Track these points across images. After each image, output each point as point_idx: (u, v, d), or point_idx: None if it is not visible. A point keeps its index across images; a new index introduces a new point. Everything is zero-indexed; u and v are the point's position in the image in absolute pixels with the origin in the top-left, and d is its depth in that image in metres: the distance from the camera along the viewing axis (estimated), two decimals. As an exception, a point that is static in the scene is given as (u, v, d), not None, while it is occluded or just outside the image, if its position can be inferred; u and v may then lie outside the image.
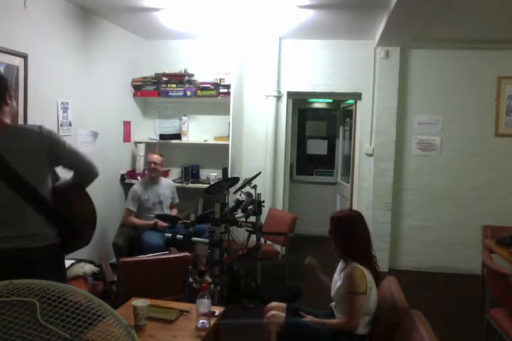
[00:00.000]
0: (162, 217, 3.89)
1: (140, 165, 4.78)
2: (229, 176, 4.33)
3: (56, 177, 2.05)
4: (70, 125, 3.67)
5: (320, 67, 4.88)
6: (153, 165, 4.21)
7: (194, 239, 3.57)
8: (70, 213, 1.95)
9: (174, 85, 4.74)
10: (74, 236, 2.01)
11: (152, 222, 4.04)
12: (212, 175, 4.70)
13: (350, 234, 2.33)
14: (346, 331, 2.22)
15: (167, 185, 4.39)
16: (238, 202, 3.77)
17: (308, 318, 2.36)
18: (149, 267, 2.78)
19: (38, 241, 1.90)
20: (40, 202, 1.88)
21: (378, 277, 2.32)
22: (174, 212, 4.40)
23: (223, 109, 4.61)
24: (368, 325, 2.26)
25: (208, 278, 3.70)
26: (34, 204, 1.85)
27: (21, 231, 1.91)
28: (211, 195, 3.88)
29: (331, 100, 6.26)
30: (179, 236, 3.57)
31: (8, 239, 1.87)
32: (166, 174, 4.85)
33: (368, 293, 2.20)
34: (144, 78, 4.82)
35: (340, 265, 2.42)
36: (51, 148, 1.88)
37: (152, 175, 4.26)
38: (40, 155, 1.86)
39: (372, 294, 2.23)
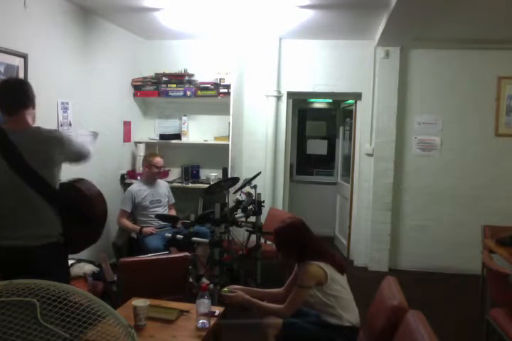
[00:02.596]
0: (162, 217, 3.89)
1: (140, 165, 4.77)
2: (229, 176, 4.33)
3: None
4: (70, 125, 3.67)
5: (320, 67, 4.88)
6: (157, 170, 4.25)
7: (194, 239, 3.57)
8: (82, 206, 2.17)
9: (174, 85, 4.73)
10: (84, 233, 2.17)
11: (138, 227, 4.04)
12: (212, 175, 4.70)
13: (296, 239, 2.40)
14: (277, 316, 2.30)
15: (163, 184, 4.42)
16: (238, 202, 3.77)
17: (239, 293, 2.38)
18: (149, 267, 2.78)
19: (38, 239, 1.94)
20: (53, 197, 2.04)
21: (342, 267, 2.39)
22: (172, 212, 4.40)
23: (223, 109, 4.60)
24: (351, 313, 2.30)
25: (205, 280, 3.69)
26: (48, 199, 2.02)
27: (21, 230, 1.94)
28: (211, 195, 3.87)
29: (330, 100, 6.25)
30: (179, 237, 3.57)
31: (8, 237, 1.91)
32: (165, 174, 4.85)
33: (328, 283, 2.27)
34: (144, 78, 4.82)
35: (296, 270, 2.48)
36: (61, 151, 2.09)
37: (156, 177, 4.30)
38: (52, 157, 2.06)
39: (336, 282, 2.30)
